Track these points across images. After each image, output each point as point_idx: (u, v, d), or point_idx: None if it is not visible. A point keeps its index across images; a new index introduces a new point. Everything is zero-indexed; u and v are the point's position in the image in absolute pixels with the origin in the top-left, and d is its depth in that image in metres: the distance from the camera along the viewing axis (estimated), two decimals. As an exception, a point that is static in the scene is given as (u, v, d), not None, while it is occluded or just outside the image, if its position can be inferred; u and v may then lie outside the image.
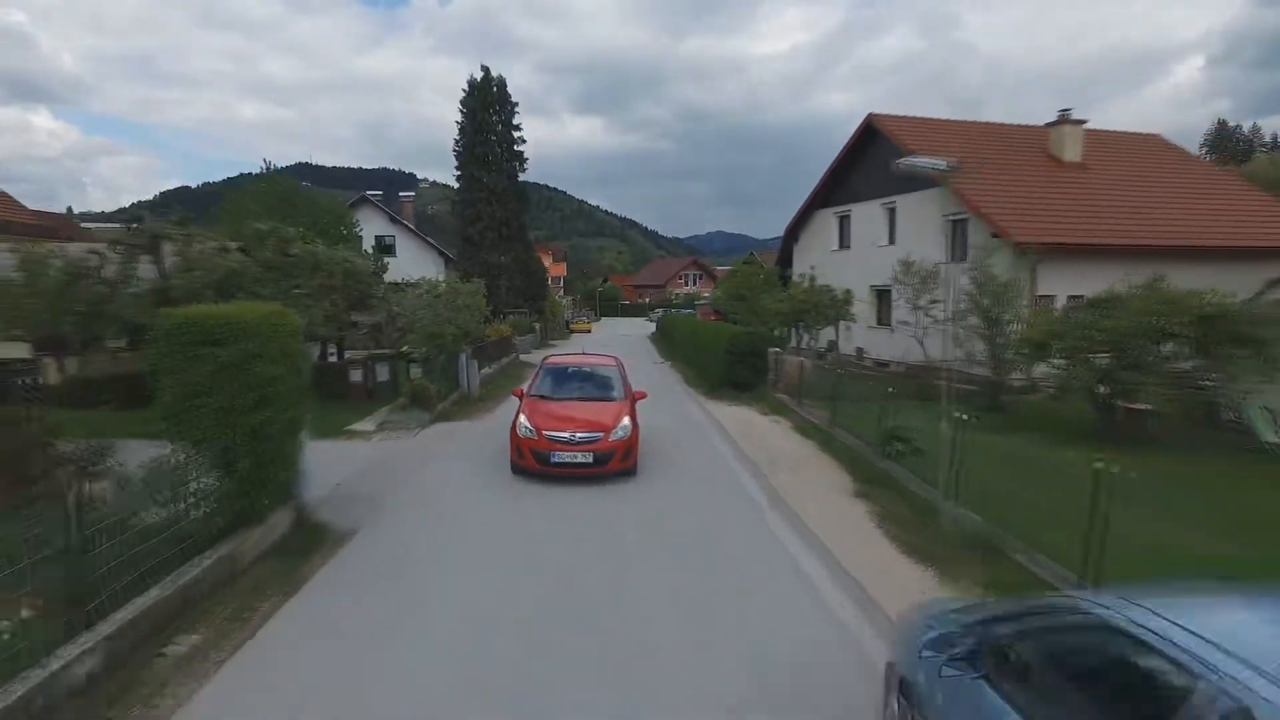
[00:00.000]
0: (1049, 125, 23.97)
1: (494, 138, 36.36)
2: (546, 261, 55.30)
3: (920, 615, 3.89)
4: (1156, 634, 2.38)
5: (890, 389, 10.66)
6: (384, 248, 38.13)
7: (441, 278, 25.30)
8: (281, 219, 19.61)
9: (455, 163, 37.54)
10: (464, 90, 36.47)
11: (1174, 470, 9.27)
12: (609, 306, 77.17)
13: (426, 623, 5.54)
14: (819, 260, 27.18)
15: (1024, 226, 19.19)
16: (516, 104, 37.09)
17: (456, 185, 39.48)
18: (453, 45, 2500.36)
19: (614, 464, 9.62)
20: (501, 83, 36.52)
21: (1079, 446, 9.21)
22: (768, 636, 5.25)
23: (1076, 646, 2.81)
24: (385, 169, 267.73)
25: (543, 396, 10.91)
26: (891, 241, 23.72)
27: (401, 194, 46.27)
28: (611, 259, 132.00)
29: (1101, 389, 12.15)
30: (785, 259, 31.00)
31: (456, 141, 36.90)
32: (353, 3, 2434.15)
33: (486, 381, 20.24)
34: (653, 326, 48.91)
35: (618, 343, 33.14)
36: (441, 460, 11.02)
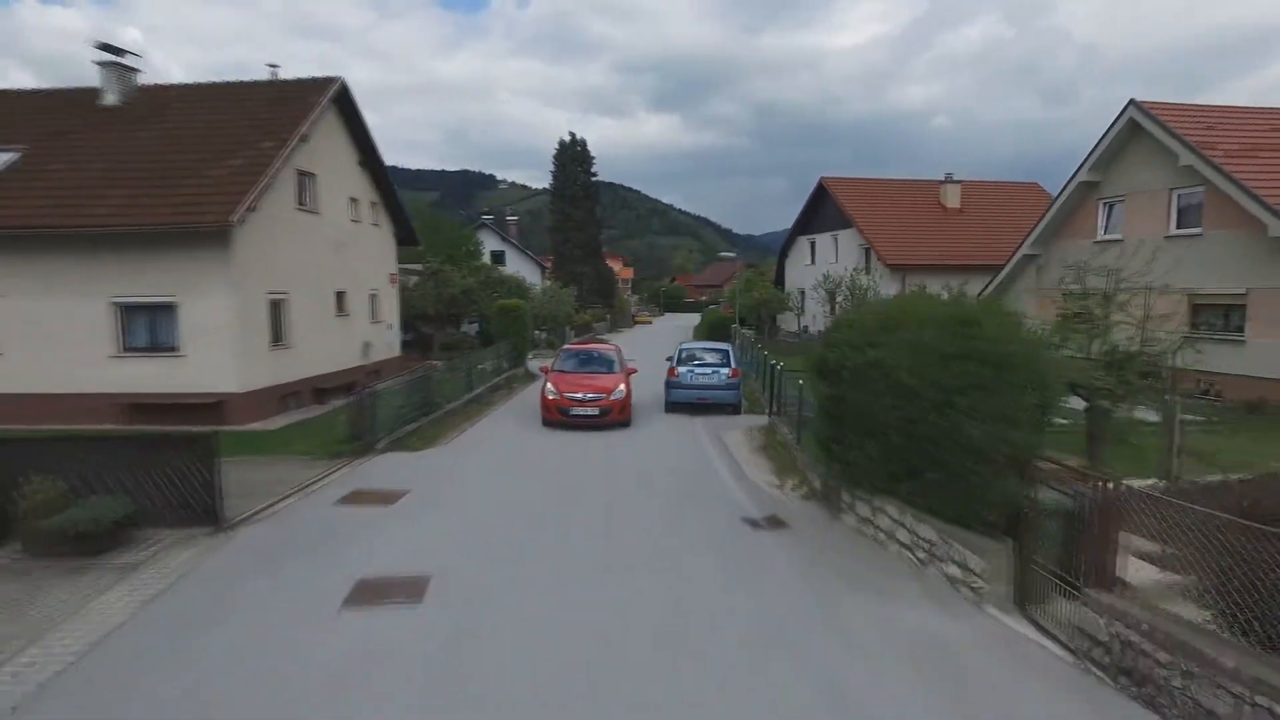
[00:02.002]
0: (940, 182, 37.45)
1: (577, 183, 52.21)
2: (618, 266, 70.99)
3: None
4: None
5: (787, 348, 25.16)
6: (497, 260, 54.28)
7: (538, 283, 41.09)
8: (430, 241, 35.29)
9: (550, 197, 53.60)
10: (556, 147, 52.61)
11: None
12: (673, 303, 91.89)
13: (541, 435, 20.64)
14: (799, 271, 41.34)
15: (900, 251, 32.96)
16: (594, 157, 52.88)
17: (550, 213, 55.49)
18: (529, 48, 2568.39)
19: (613, 416, 14.67)
20: (582, 142, 52.42)
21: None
22: (680, 464, 16.41)
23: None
24: (465, 170, 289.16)
25: (562, 371, 16.11)
26: (836, 260, 37.73)
27: (508, 217, 62.78)
28: (682, 259, 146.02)
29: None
30: (780, 270, 45.29)
31: (550, 186, 53.09)
32: (433, 8, 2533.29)
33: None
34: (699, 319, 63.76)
35: (670, 331, 47.76)
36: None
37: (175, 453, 8.37)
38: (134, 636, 5.86)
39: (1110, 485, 5.28)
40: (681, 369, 17.03)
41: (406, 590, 6.59)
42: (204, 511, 8.37)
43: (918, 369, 6.65)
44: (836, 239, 37.99)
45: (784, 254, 44.73)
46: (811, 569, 7.28)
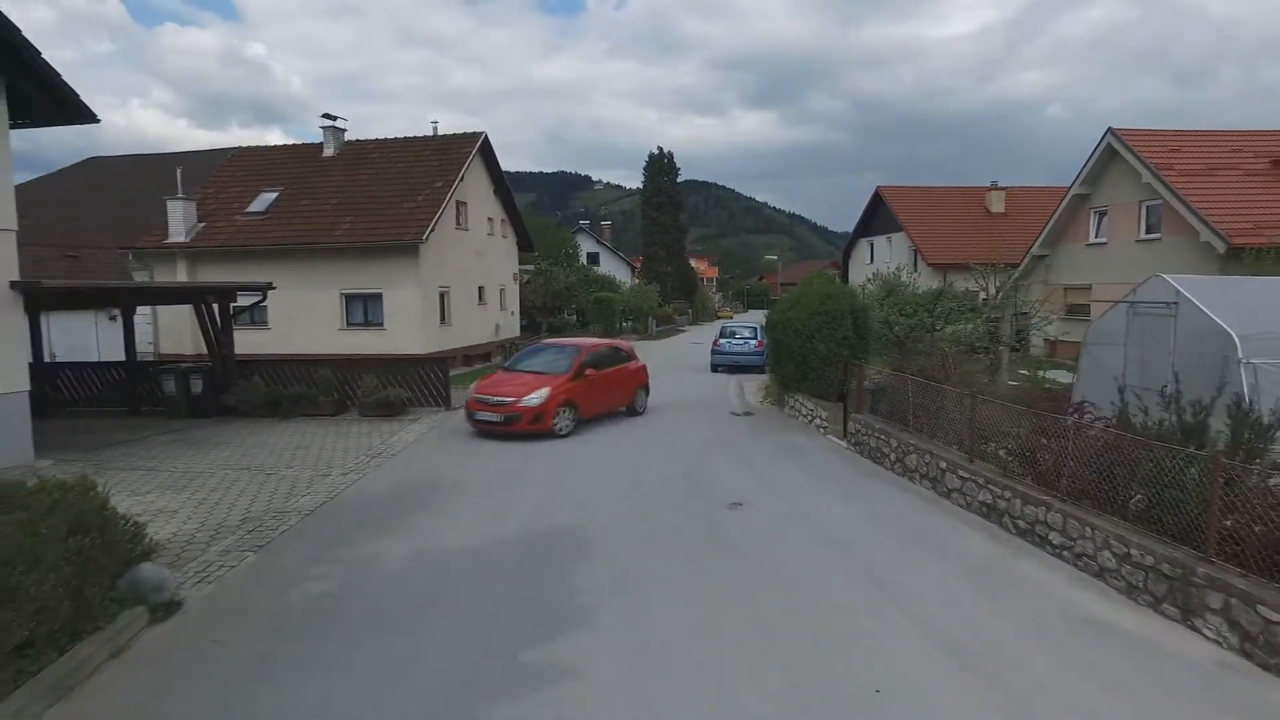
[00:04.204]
0: (987, 189, 42.72)
1: (663, 191, 59.85)
2: (703, 266, 78.20)
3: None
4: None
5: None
6: (593, 261, 62.56)
7: (627, 280, 48.94)
8: (539, 246, 43.58)
9: (640, 204, 61.48)
10: (649, 149, 60.67)
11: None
12: (756, 300, 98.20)
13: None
14: (859, 270, 47.36)
15: (941, 251, 38.71)
16: (679, 168, 60.45)
17: (640, 218, 63.36)
18: (625, 49, 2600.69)
19: (520, 426, 12.94)
20: (669, 155, 59.97)
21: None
22: (709, 395, 26.65)
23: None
24: (562, 172, 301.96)
25: (506, 368, 15.05)
26: (890, 259, 43.63)
27: (602, 221, 71.21)
28: (770, 258, 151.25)
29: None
30: (844, 270, 51.34)
31: (640, 193, 60.89)
32: (532, 12, 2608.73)
33: (660, 334, 43.48)
34: (776, 314, 70.44)
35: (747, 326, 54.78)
36: (642, 347, 33.89)
37: (428, 369, 16.38)
38: (427, 438, 13.70)
39: (860, 369, 12.26)
40: (722, 340, 24.29)
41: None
42: (441, 399, 16.34)
43: (802, 321, 13.74)
44: (890, 240, 43.90)
45: (847, 254, 50.75)
46: (754, 428, 14.43)
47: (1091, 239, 27.80)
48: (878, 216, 45.62)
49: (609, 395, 14.85)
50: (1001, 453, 8.71)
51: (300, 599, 6.45)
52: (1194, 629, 5.74)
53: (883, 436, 11.28)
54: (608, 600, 6.35)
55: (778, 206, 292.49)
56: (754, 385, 20.36)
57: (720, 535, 8.12)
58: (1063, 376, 15.47)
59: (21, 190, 31.30)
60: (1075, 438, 7.51)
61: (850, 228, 49.94)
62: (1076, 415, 8.01)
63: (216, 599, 6.42)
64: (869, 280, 39.11)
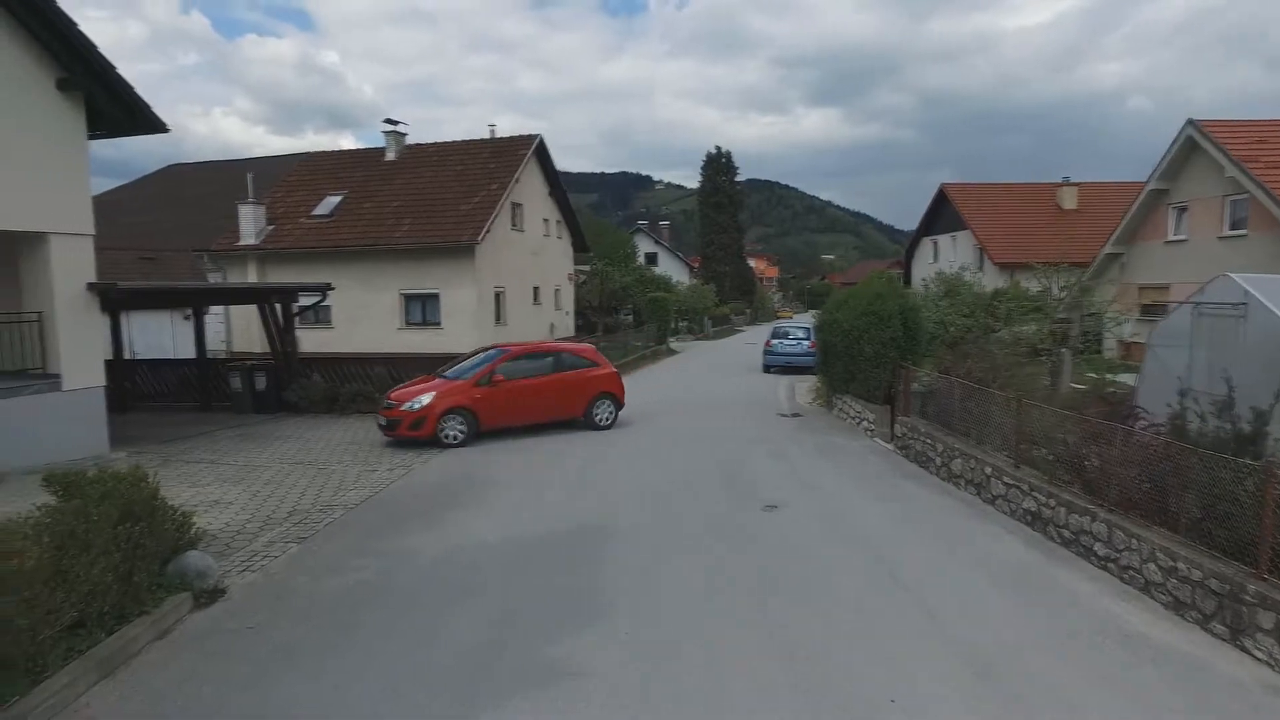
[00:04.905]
0: (1058, 185, 41.09)
1: (721, 191, 59.51)
2: (763, 266, 77.47)
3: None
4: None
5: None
6: (650, 261, 62.68)
7: (685, 280, 48.84)
8: (594, 246, 43.89)
9: (698, 203, 61.31)
10: (703, 159, 60.18)
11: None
12: (817, 300, 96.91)
13: (697, 358, 28.01)
14: (923, 270, 46.17)
15: (1008, 250, 37.42)
16: (737, 167, 60.08)
17: (698, 218, 63.19)
18: (687, 48, 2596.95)
19: (400, 431, 12.61)
20: (728, 154, 59.68)
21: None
22: (759, 395, 26.58)
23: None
24: (624, 172, 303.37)
25: (436, 373, 14.05)
26: (954, 259, 42.41)
27: (661, 221, 71.27)
28: (835, 258, 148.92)
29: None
30: (907, 270, 50.14)
31: (698, 193, 60.71)
32: (596, 14, 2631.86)
33: (716, 334, 43.29)
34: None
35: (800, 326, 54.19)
36: (698, 347, 33.77)
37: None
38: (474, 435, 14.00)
39: (908, 371, 11.99)
40: (775, 341, 24.04)
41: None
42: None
43: (849, 321, 13.51)
44: (955, 239, 42.66)
45: (910, 253, 49.54)
46: (799, 430, 14.26)
47: (1170, 236, 26.44)
48: (942, 215, 44.38)
49: (541, 403, 13.82)
50: (1050, 458, 8.40)
51: (335, 588, 6.70)
52: (1243, 649, 5.44)
53: (929, 440, 11.01)
54: (629, 598, 6.39)
55: (842, 205, 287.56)
56: (805, 387, 20.10)
57: (753, 537, 8.07)
58: (1132, 380, 14.79)
59: (105, 197, 33.32)
60: (1124, 445, 7.18)
61: (917, 226, 48.70)
62: (1129, 421, 7.67)
63: (258, 587, 6.72)
64: (926, 280, 38.19)
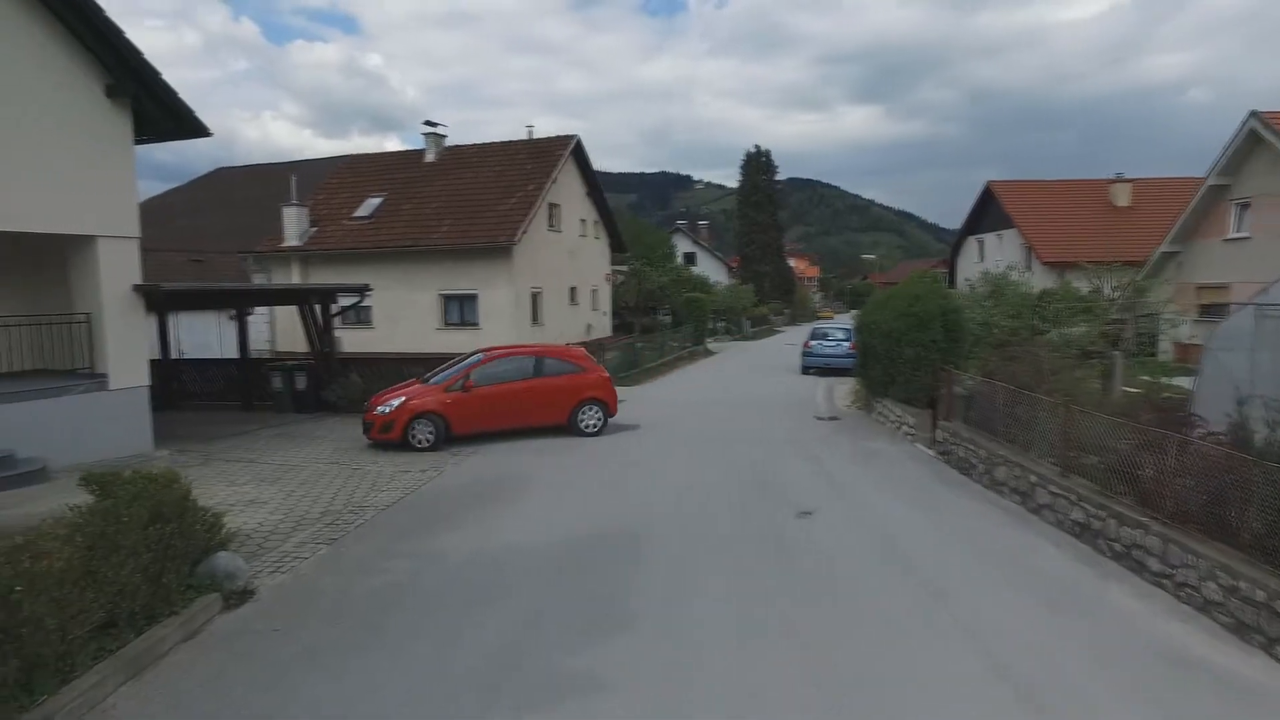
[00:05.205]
0: (1110, 181, 39.75)
1: (760, 190, 59.00)
2: (803, 266, 76.60)
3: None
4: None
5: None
6: (689, 261, 62.41)
7: (724, 280, 48.45)
8: (632, 246, 43.72)
9: (736, 203, 60.85)
10: (743, 159, 59.69)
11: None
12: (861, 301, 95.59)
13: (734, 357, 27.72)
14: (969, 269, 45.09)
15: (1058, 249, 36.31)
16: (776, 166, 59.47)
17: (737, 218, 62.75)
18: (727, 47, 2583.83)
19: (373, 434, 12.82)
20: (767, 153, 59.15)
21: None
22: (797, 397, 26.19)
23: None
24: (663, 172, 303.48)
25: (420, 378, 14.23)
26: (1001, 258, 41.33)
27: (700, 221, 70.93)
28: (876, 257, 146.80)
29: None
30: (951, 270, 49.04)
31: (737, 193, 60.27)
32: (636, 15, 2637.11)
33: (754, 334, 42.88)
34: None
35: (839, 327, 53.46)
36: (736, 348, 33.43)
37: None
38: (505, 434, 14.00)
39: (950, 374, 11.61)
40: (813, 342, 23.65)
41: (629, 428, 14.25)
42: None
43: (889, 323, 13.16)
44: (1001, 238, 41.57)
45: (955, 252, 48.47)
46: (834, 431, 13.96)
47: (1230, 233, 25.35)
48: (988, 213, 43.30)
49: (518, 409, 13.54)
50: (1100, 466, 8.02)
51: (362, 591, 6.69)
52: (1311, 676, 5.08)
53: (971, 446, 10.64)
54: (655, 607, 6.25)
55: (885, 203, 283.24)
56: (844, 389, 19.71)
57: (784, 546, 7.86)
58: (1189, 384, 14.16)
59: (156, 201, 34.27)
60: (1181, 454, 6.80)
61: (962, 224, 47.61)
62: (1185, 428, 7.28)
63: (287, 588, 6.75)
64: (969, 280, 37.26)
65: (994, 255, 43.00)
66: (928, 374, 12.60)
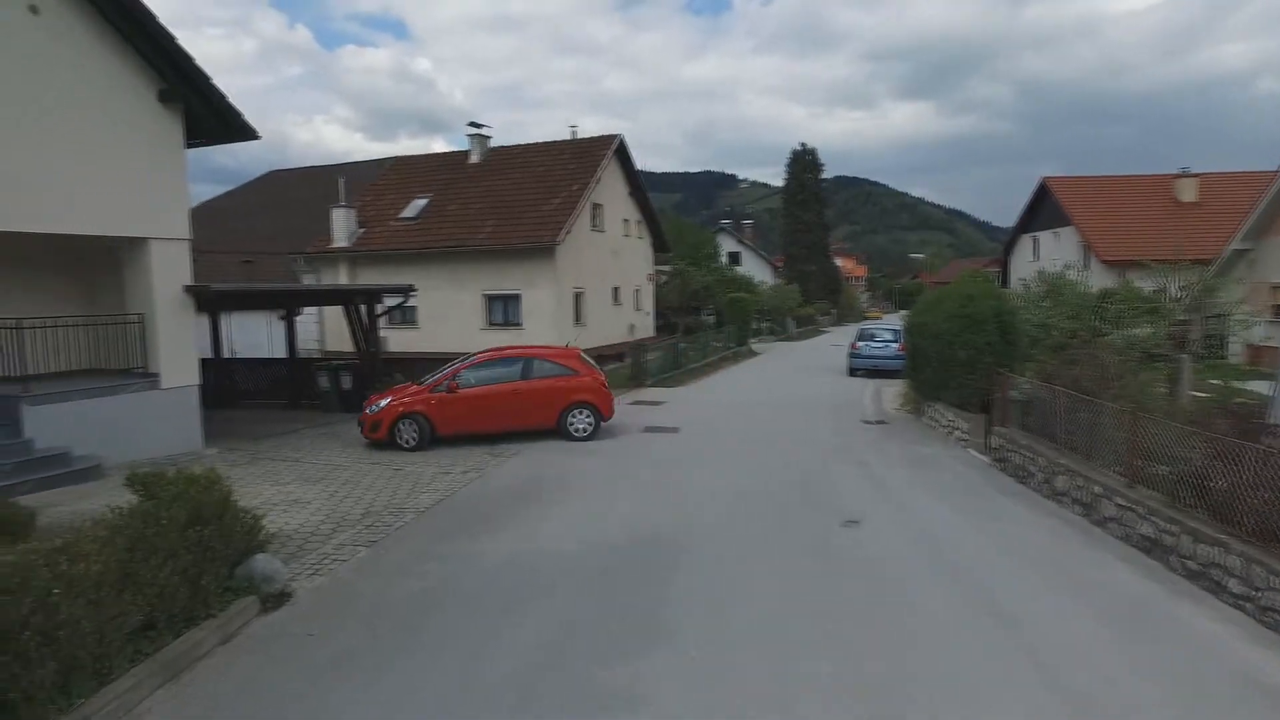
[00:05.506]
0: (1174, 176, 38.10)
1: (806, 189, 58.20)
2: (850, 265, 75.39)
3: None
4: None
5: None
6: (734, 260, 61.89)
7: (769, 280, 47.87)
8: (675, 246, 43.40)
9: (782, 202, 60.12)
10: (788, 157, 59.07)
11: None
12: (907, 301, 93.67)
13: (772, 361, 27.28)
14: (1023, 268, 43.74)
15: (1118, 248, 34.95)
16: (823, 164, 58.59)
17: (782, 216, 62.03)
18: (772, 44, 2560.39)
19: (365, 433, 13.16)
20: (813, 151, 58.32)
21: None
22: (844, 399, 25.59)
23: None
24: (708, 171, 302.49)
25: (420, 380, 14.10)
26: (1057, 256, 39.97)
27: (744, 220, 70.33)
28: (930, 256, 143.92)
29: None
30: (1004, 269, 47.65)
31: (782, 192, 59.58)
32: (680, 14, 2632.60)
33: (800, 335, 42.28)
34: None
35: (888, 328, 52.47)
36: (780, 348, 32.95)
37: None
38: (545, 436, 13.91)
39: (1005, 378, 11.12)
40: (861, 343, 23.10)
41: (669, 430, 14.02)
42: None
43: (940, 324, 12.69)
44: (1057, 235, 40.21)
45: (1008, 251, 47.08)
46: (884, 437, 13.52)
47: (1309, 229, 24.05)
48: (1043, 210, 41.91)
49: (503, 412, 13.37)
50: (1171, 477, 7.53)
51: (399, 595, 6.62)
52: None
53: (1029, 453, 10.16)
54: (694, 617, 6.04)
55: (935, 201, 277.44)
56: (893, 392, 19.19)
57: (829, 556, 7.56)
58: (1266, 388, 13.38)
59: (211, 204, 35.23)
60: (1261, 465, 6.32)
61: (1015, 222, 46.20)
62: (1264, 437, 6.77)
63: (324, 591, 6.71)
64: (1024, 280, 36.13)
65: (1050, 254, 41.60)
66: (981, 377, 12.11)
